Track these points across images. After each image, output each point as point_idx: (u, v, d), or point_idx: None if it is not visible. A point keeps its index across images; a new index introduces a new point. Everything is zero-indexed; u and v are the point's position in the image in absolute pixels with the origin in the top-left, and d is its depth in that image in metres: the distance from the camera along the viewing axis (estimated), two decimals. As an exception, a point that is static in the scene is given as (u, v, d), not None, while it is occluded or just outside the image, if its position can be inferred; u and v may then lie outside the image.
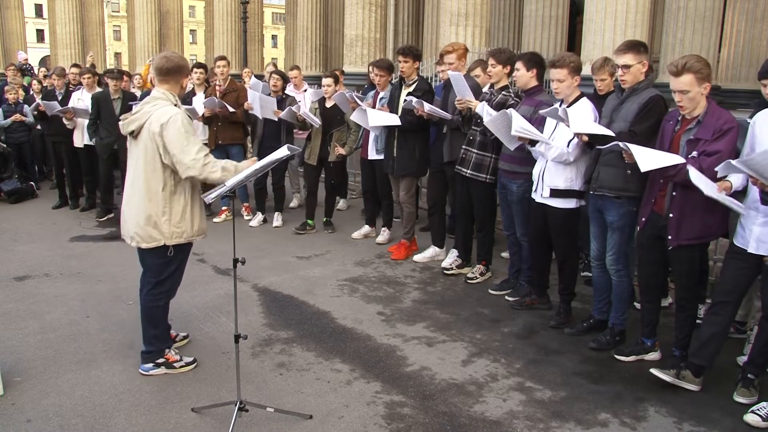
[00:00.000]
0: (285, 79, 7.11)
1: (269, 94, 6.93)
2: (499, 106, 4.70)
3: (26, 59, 15.13)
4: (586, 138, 3.74)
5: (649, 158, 3.25)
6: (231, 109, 6.79)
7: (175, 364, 3.53)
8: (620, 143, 3.35)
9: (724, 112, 3.31)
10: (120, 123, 3.45)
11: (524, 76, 4.52)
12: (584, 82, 4.24)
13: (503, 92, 4.82)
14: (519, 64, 4.53)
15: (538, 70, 4.56)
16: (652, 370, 3.48)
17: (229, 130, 7.01)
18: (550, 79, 4.14)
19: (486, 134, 4.77)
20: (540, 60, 4.61)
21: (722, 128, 3.22)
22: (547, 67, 4.37)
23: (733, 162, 2.89)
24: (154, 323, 3.53)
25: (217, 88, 7.07)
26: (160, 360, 3.51)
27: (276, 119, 6.64)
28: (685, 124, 3.39)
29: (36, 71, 12.78)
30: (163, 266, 3.46)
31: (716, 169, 3.02)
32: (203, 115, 6.90)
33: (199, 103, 7.06)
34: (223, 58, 7.20)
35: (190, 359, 3.61)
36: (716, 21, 10.95)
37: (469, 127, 4.99)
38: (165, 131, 3.23)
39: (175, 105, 3.37)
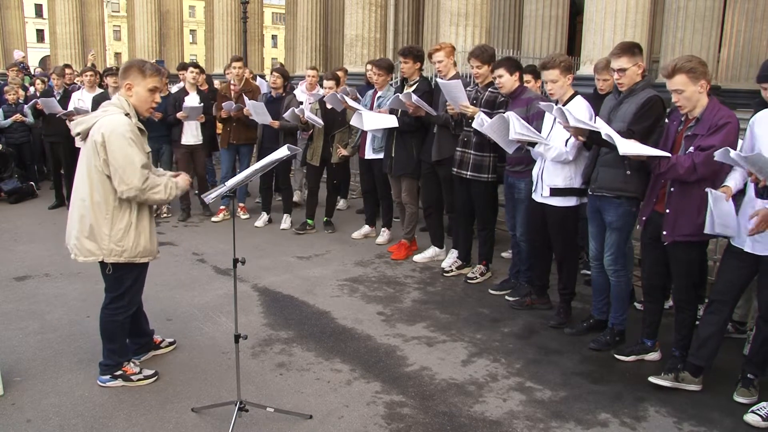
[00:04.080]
0: (285, 77, 7.09)
1: (270, 93, 6.95)
2: (488, 104, 4.71)
3: (23, 57, 15.05)
4: (582, 138, 3.75)
5: (630, 145, 3.28)
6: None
7: (132, 377, 3.40)
8: (603, 130, 3.36)
9: (723, 109, 3.32)
10: (71, 123, 3.32)
11: (509, 81, 4.55)
12: (584, 82, 4.25)
13: (490, 89, 4.82)
14: (501, 71, 4.54)
15: (520, 72, 4.60)
16: (651, 378, 3.48)
17: (243, 131, 7.08)
18: (543, 80, 4.15)
19: (481, 135, 4.77)
20: (517, 63, 4.69)
21: (718, 123, 3.23)
22: (538, 71, 4.38)
23: (731, 154, 2.89)
24: (111, 338, 3.41)
25: (232, 88, 7.10)
26: (118, 372, 3.40)
27: (274, 127, 6.64)
28: (687, 123, 3.40)
29: (32, 71, 12.69)
30: (118, 282, 3.31)
31: (714, 154, 3.02)
32: (219, 115, 6.99)
33: (191, 102, 7.05)
34: (239, 59, 7.30)
35: (150, 372, 3.47)
36: (716, 21, 10.97)
37: (461, 130, 4.99)
38: (108, 143, 3.05)
39: (127, 114, 3.17)
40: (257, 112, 6.58)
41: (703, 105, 3.32)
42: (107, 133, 3.07)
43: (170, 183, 3.28)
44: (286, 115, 6.56)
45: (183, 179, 3.42)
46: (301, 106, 6.79)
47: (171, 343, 3.90)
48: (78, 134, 3.21)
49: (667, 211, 3.42)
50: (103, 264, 3.28)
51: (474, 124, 4.60)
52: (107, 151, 3.07)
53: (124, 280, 3.33)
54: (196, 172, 7.54)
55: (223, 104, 6.95)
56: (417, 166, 5.67)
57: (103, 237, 3.18)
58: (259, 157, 6.62)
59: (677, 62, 3.30)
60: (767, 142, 3.15)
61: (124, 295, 3.36)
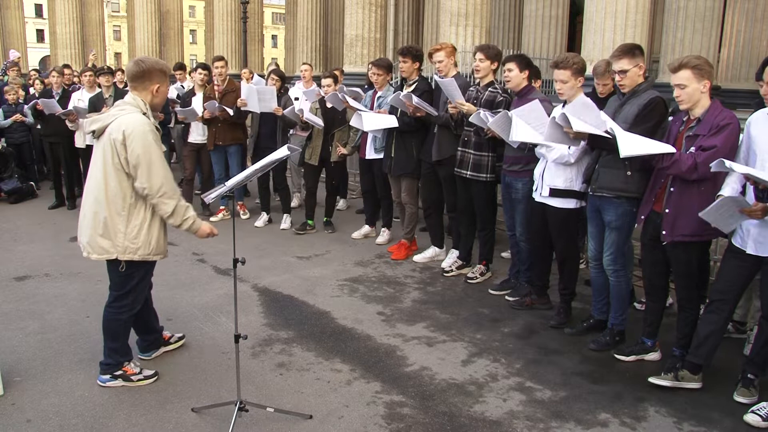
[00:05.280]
0: (283, 79, 7.08)
1: None
2: (487, 104, 4.71)
3: (19, 57, 14.96)
4: (583, 141, 3.75)
5: (632, 144, 3.26)
6: (231, 112, 6.77)
7: (132, 377, 3.39)
8: (608, 126, 3.36)
9: (725, 111, 3.33)
10: (85, 120, 3.37)
11: (517, 77, 4.53)
12: (584, 82, 4.24)
13: (490, 89, 4.83)
14: (512, 65, 4.52)
15: (530, 71, 4.58)
16: (651, 379, 3.48)
17: (229, 131, 6.99)
18: (554, 79, 4.14)
19: (480, 134, 4.78)
20: (528, 60, 4.67)
21: (720, 124, 3.25)
22: (550, 67, 4.37)
23: (727, 163, 2.90)
24: (113, 337, 3.41)
25: (216, 88, 7.06)
26: (118, 372, 3.40)
27: (277, 115, 6.57)
28: (688, 124, 3.41)
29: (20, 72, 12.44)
30: (125, 280, 3.31)
31: (711, 165, 3.03)
32: (203, 116, 6.90)
33: (198, 103, 7.06)
34: (221, 58, 7.19)
35: (150, 372, 3.46)
36: (716, 21, 10.98)
37: (462, 129, 4.99)
38: (129, 142, 3.08)
39: (144, 114, 3.20)
40: (263, 98, 6.42)
41: (704, 106, 3.33)
42: (128, 132, 3.08)
43: (188, 214, 3.26)
44: (286, 112, 6.56)
45: (205, 228, 3.37)
46: (297, 104, 6.77)
47: (180, 338, 3.91)
48: (93, 131, 3.23)
49: (667, 210, 3.42)
50: (111, 262, 3.28)
51: (473, 119, 4.58)
52: (128, 150, 3.09)
53: (131, 279, 3.33)
54: (201, 170, 7.56)
55: (205, 105, 6.85)
56: (417, 166, 5.67)
57: (117, 234, 3.18)
58: (255, 157, 6.60)
59: (684, 58, 3.33)
60: (762, 142, 3.16)
61: (128, 293, 3.37)
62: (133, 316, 3.47)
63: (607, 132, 3.46)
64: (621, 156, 3.29)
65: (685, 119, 3.46)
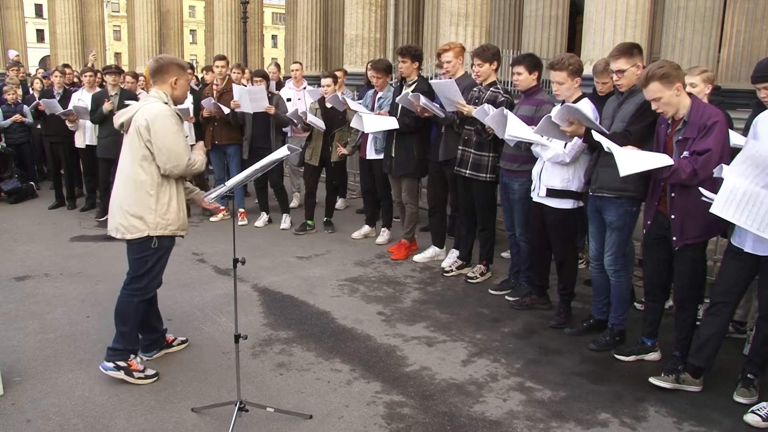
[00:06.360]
0: (267, 79, 7.01)
1: None
2: (489, 103, 4.70)
3: (17, 56, 14.91)
4: (579, 136, 3.75)
5: (630, 161, 3.22)
6: (226, 111, 6.74)
7: (134, 373, 3.43)
8: (604, 144, 3.36)
9: (708, 107, 3.31)
10: (113, 117, 3.56)
11: (527, 79, 4.52)
12: (584, 82, 4.25)
13: (492, 89, 4.83)
14: (520, 68, 4.51)
15: (539, 72, 4.57)
16: (651, 379, 3.48)
17: (226, 131, 6.93)
18: (551, 81, 4.14)
19: (481, 134, 4.78)
20: (538, 61, 4.64)
21: (707, 124, 3.23)
22: (546, 69, 4.37)
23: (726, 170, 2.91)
24: (123, 320, 3.48)
25: (215, 87, 7.03)
26: (122, 363, 3.42)
27: (270, 114, 6.54)
28: (675, 126, 3.40)
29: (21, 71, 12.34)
30: (142, 261, 3.46)
31: (713, 171, 3.03)
32: (201, 115, 6.88)
33: (185, 103, 6.95)
34: (222, 57, 7.15)
35: (152, 372, 3.49)
36: (716, 21, 10.99)
37: (462, 128, 4.99)
38: (152, 126, 3.29)
39: (166, 103, 3.41)
40: (255, 98, 6.39)
41: (686, 106, 3.31)
42: (150, 118, 3.30)
43: (199, 157, 3.51)
44: (289, 114, 6.55)
45: (199, 150, 3.61)
46: (291, 105, 6.73)
47: (183, 341, 3.93)
48: (121, 125, 3.43)
49: (673, 216, 3.41)
50: (132, 243, 3.41)
51: (475, 113, 4.56)
52: (151, 133, 3.29)
53: (146, 262, 3.45)
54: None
55: (202, 102, 6.82)
56: (417, 166, 5.67)
57: (149, 212, 3.37)
58: (250, 157, 6.57)
59: (649, 70, 3.29)
60: None
61: (143, 276, 3.46)
62: (145, 303, 3.53)
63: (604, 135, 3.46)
64: (621, 175, 3.26)
65: (670, 122, 3.44)
